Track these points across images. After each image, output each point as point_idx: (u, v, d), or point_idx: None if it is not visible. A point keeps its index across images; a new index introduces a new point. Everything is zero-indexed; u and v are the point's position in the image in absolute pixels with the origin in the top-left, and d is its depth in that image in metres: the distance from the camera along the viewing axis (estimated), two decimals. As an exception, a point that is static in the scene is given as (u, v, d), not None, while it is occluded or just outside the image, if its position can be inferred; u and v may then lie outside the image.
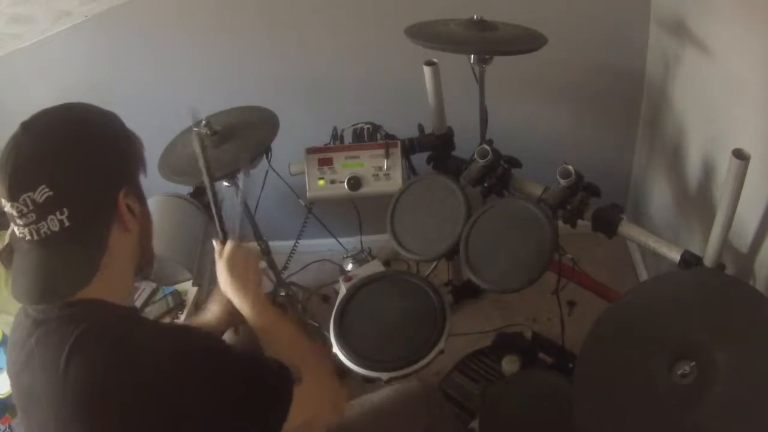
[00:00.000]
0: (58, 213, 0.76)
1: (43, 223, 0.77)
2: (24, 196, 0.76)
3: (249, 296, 1.06)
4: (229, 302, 1.12)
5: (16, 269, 0.81)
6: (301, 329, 1.08)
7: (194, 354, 0.82)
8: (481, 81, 1.63)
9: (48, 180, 0.76)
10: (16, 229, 0.79)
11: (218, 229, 1.17)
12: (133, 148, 0.91)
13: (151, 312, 1.73)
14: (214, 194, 1.16)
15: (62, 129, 0.83)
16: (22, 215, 0.77)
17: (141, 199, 0.91)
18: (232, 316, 1.16)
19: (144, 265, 0.96)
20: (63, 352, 0.77)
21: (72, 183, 0.78)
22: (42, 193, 0.76)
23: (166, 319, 1.73)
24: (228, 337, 1.38)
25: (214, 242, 1.16)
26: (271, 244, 1.96)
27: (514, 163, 1.60)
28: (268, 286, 2.29)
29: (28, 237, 0.78)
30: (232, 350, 0.92)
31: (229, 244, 1.11)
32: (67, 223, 0.77)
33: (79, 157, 0.81)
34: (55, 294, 0.80)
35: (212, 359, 0.84)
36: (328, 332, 1.41)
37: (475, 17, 1.50)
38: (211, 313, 1.21)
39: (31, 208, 0.76)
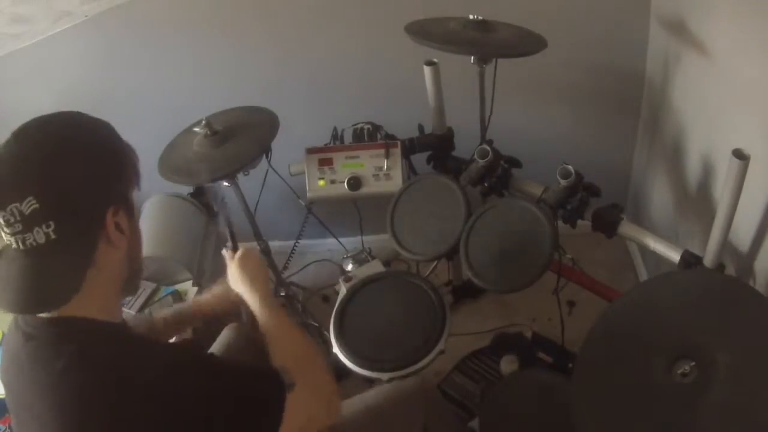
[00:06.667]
0: (44, 226, 0.75)
1: (29, 234, 0.76)
2: (11, 206, 0.75)
3: (258, 293, 1.12)
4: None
5: (2, 275, 0.80)
6: (303, 331, 1.10)
7: (184, 372, 0.82)
8: (481, 81, 1.63)
9: (35, 193, 0.75)
10: (3, 235, 0.78)
11: (230, 240, 1.32)
12: (127, 163, 0.89)
13: (152, 312, 1.73)
14: (230, 223, 1.34)
15: (54, 141, 0.81)
16: (8, 224, 0.76)
17: (131, 215, 0.89)
18: (234, 304, 1.24)
19: (131, 281, 0.95)
20: (52, 376, 0.78)
21: (59, 198, 0.77)
22: (29, 205, 0.75)
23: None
24: (226, 335, 1.39)
25: (225, 251, 1.25)
26: (271, 244, 1.96)
27: (514, 163, 1.60)
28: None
29: (14, 245, 0.78)
30: (222, 364, 0.92)
31: (240, 249, 1.22)
32: (53, 236, 0.76)
33: (70, 172, 0.79)
34: (39, 306, 0.80)
35: (202, 376, 0.84)
36: (328, 332, 1.41)
37: (474, 17, 1.50)
38: (212, 294, 1.32)
39: (18, 218, 0.76)
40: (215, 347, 1.39)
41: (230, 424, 0.82)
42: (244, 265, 1.17)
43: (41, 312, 0.81)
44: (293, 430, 0.89)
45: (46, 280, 0.78)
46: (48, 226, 0.76)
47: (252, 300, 1.12)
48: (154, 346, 0.91)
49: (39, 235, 0.76)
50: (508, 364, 1.78)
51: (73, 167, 0.80)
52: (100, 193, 0.82)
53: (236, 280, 1.17)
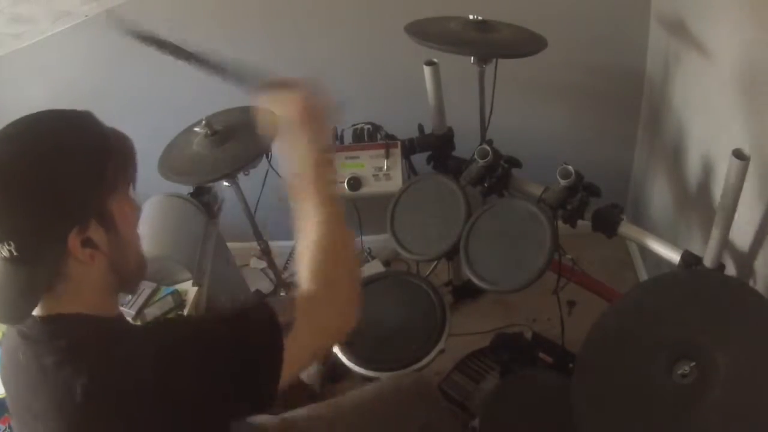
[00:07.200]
0: (5, 244, 0.75)
1: None
2: None
3: (313, 147, 0.98)
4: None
5: None
6: (345, 226, 1.01)
7: (178, 356, 0.81)
8: (481, 81, 1.63)
9: None
10: None
11: (238, 77, 1.00)
12: (108, 167, 0.82)
13: (151, 312, 1.73)
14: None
15: (14, 162, 0.77)
16: None
17: (110, 227, 0.83)
18: None
19: (125, 284, 0.91)
20: (45, 372, 0.78)
21: (14, 222, 0.76)
22: None
23: (166, 319, 1.73)
24: None
25: (248, 89, 1.04)
26: (271, 244, 1.96)
27: (514, 163, 1.60)
28: (268, 286, 2.30)
29: None
30: (215, 325, 0.88)
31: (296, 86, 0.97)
32: (15, 254, 0.76)
33: (25, 197, 0.76)
34: (10, 318, 0.81)
35: (199, 350, 0.82)
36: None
37: (474, 17, 1.50)
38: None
39: None
40: None
41: (231, 390, 0.82)
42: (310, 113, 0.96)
43: (12, 324, 0.81)
44: (294, 365, 0.88)
45: (16, 291, 0.79)
46: (9, 245, 0.75)
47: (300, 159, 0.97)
48: (147, 335, 0.89)
49: (4, 250, 0.76)
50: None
51: (30, 193, 0.76)
52: (58, 217, 0.78)
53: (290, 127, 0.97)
